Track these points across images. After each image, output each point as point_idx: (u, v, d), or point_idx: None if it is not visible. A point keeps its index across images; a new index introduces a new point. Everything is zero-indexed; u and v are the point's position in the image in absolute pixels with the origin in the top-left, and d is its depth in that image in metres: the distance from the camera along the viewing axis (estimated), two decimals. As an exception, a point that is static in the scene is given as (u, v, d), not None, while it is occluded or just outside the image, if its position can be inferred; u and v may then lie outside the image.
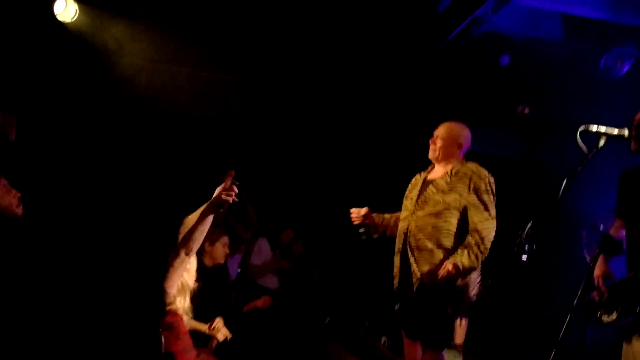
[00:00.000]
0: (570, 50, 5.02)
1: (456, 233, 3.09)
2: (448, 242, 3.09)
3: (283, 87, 5.93)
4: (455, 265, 2.97)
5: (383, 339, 5.17)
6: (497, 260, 3.18)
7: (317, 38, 5.28)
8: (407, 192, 3.40)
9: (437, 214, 3.11)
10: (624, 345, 2.52)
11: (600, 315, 2.46)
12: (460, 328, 4.85)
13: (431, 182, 3.25)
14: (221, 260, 3.58)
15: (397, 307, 3.18)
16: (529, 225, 2.51)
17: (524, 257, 2.50)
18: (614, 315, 2.42)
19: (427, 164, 3.44)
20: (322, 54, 5.49)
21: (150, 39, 4.97)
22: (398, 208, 3.44)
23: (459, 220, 3.10)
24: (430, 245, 3.10)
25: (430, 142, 3.33)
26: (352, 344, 3.67)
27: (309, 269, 5.63)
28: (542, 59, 5.32)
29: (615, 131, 2.44)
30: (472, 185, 3.08)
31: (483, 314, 5.10)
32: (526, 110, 6.04)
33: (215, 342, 3.10)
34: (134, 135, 5.10)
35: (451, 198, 3.10)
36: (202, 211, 2.24)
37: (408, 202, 3.30)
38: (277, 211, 5.74)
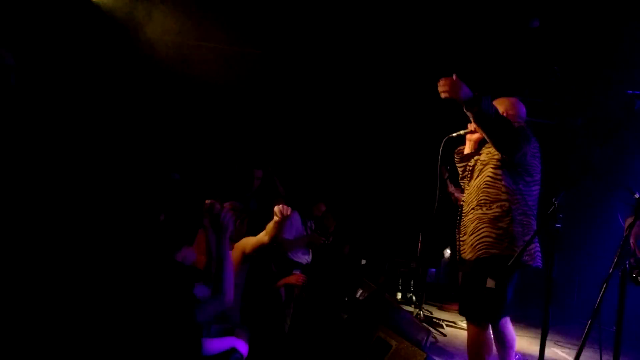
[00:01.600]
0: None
1: (491, 186, 3.15)
2: (483, 196, 3.16)
3: (317, 60, 5.88)
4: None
5: (415, 311, 5.22)
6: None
7: (345, 12, 5.21)
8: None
9: (486, 183, 3.19)
10: None
11: (637, 276, 2.46)
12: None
13: (477, 160, 3.34)
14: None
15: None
16: (562, 193, 2.49)
17: (558, 225, 2.49)
18: None
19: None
20: (350, 27, 5.43)
21: (177, 15, 4.99)
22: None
23: (492, 175, 3.15)
24: (473, 205, 3.20)
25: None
26: (387, 316, 3.72)
27: (341, 244, 5.69)
28: (573, 19, 5.15)
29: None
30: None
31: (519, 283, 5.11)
32: (557, 72, 5.88)
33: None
34: (163, 110, 5.17)
35: (489, 156, 3.20)
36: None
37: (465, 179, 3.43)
38: (308, 185, 5.78)
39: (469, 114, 2.89)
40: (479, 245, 3.07)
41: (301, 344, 3.40)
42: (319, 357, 3.33)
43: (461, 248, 3.22)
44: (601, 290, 2.33)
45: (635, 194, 2.40)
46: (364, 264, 6.21)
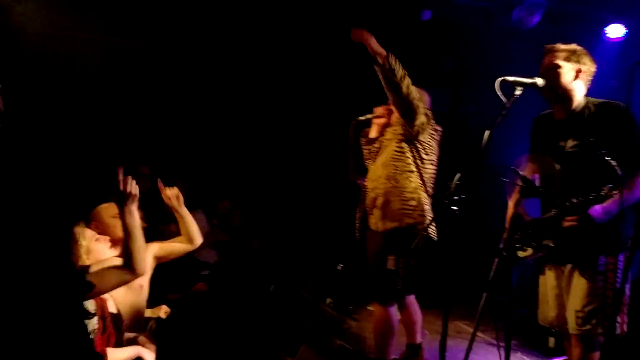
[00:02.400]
0: (486, 3, 5.18)
1: (398, 159, 3.31)
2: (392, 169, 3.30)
3: (217, 54, 5.74)
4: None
5: (328, 300, 5.30)
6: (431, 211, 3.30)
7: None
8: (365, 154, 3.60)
9: (391, 160, 3.34)
10: (540, 278, 2.75)
11: (515, 252, 2.66)
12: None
13: (382, 141, 3.46)
14: None
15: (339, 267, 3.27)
16: (457, 176, 2.64)
17: (455, 207, 2.64)
18: (529, 251, 2.62)
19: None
20: (240, 14, 5.35)
21: (57, 8, 4.65)
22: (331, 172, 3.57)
23: (397, 148, 3.31)
24: (383, 179, 3.34)
25: (385, 109, 3.51)
26: (298, 309, 3.75)
27: (248, 239, 5.62)
28: (461, 13, 5.45)
29: (528, 81, 2.58)
30: None
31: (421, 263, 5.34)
32: (448, 64, 6.20)
33: (153, 324, 3.05)
34: (46, 106, 4.80)
35: (397, 136, 3.35)
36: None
37: (370, 162, 3.52)
38: (211, 182, 5.65)
39: (377, 68, 2.96)
40: (393, 216, 3.18)
41: (215, 342, 3.34)
42: (233, 352, 3.29)
43: (371, 222, 3.30)
44: (493, 264, 2.52)
45: (519, 173, 2.60)
46: (276, 258, 6.20)
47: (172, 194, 2.93)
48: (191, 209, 5.20)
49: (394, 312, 3.31)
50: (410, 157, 3.26)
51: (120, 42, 5.23)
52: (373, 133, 3.55)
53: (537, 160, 2.79)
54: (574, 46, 2.63)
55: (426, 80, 6.36)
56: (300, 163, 6.40)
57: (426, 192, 3.30)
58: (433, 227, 3.27)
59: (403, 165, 3.25)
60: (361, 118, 3.54)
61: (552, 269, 2.68)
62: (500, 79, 2.55)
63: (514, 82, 2.62)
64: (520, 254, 2.65)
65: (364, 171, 3.59)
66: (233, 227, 5.34)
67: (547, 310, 2.72)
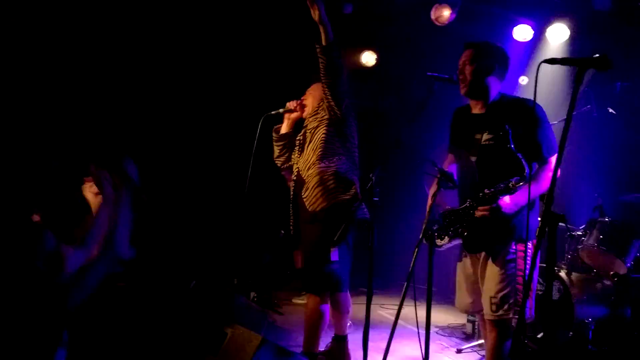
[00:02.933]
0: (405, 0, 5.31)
1: (328, 142, 3.31)
2: (322, 151, 3.30)
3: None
4: None
5: (252, 294, 5.26)
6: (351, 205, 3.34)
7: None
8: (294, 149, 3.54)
9: (320, 157, 3.31)
10: (457, 266, 2.87)
11: (433, 239, 2.77)
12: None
13: (306, 133, 3.43)
14: None
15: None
16: (378, 168, 2.70)
17: (375, 198, 2.70)
18: (445, 240, 2.73)
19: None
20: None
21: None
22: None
23: (325, 133, 3.31)
24: (314, 161, 3.32)
25: (302, 99, 3.49)
26: (222, 304, 3.68)
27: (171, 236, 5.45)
28: (382, 8, 5.57)
29: (445, 76, 2.69)
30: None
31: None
32: (371, 58, 6.30)
33: None
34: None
35: (321, 130, 3.33)
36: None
37: (294, 154, 3.49)
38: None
39: (321, 47, 3.12)
40: (328, 195, 3.20)
41: (132, 343, 3.20)
42: (152, 353, 3.17)
43: (306, 203, 3.29)
44: (413, 255, 2.59)
45: (437, 166, 2.70)
46: (196, 253, 6.06)
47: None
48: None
49: (328, 304, 3.33)
50: (339, 140, 3.29)
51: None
52: (284, 128, 3.53)
53: (455, 153, 2.90)
54: (489, 44, 2.75)
55: (348, 74, 6.51)
56: (218, 156, 6.28)
57: (356, 174, 3.37)
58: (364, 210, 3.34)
59: (333, 149, 3.28)
60: (272, 113, 3.50)
61: (468, 257, 2.81)
62: (428, 74, 2.64)
63: (432, 77, 2.72)
64: (438, 242, 2.76)
65: (279, 167, 3.62)
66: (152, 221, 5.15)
67: (464, 297, 2.85)
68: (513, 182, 2.47)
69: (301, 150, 3.39)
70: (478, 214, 2.55)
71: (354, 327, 4.10)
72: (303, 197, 3.30)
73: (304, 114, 3.46)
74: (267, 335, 3.69)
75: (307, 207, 3.26)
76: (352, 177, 3.30)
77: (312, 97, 3.45)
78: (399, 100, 6.84)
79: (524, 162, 2.49)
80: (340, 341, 3.48)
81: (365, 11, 5.53)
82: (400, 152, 2.95)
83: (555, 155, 2.55)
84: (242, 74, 6.03)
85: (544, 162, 2.59)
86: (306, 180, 3.29)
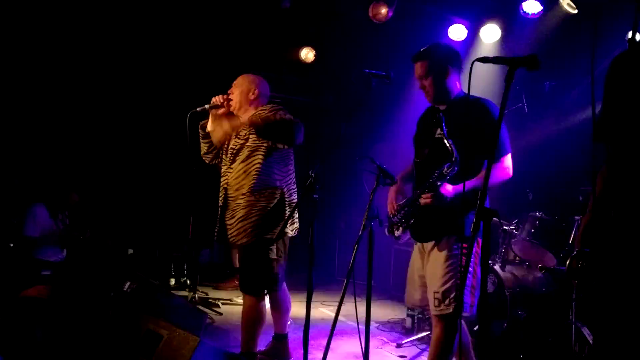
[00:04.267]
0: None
1: (264, 171, 3.21)
2: (256, 183, 3.20)
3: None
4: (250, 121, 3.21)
5: (190, 294, 5.11)
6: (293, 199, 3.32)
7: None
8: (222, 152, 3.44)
9: (247, 158, 3.24)
10: (410, 261, 2.90)
11: (393, 231, 2.79)
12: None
13: (237, 135, 3.32)
14: None
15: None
16: (317, 165, 2.68)
17: (315, 195, 2.68)
18: (400, 230, 2.76)
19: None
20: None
21: None
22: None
23: (263, 162, 3.19)
24: (244, 191, 3.21)
25: (228, 92, 3.39)
26: (157, 306, 3.54)
27: (102, 235, 5.20)
28: (320, 4, 5.56)
29: (382, 73, 2.70)
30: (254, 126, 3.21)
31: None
32: (310, 54, 6.28)
33: None
34: None
35: (252, 138, 3.25)
36: None
37: (225, 162, 3.37)
38: (55, 175, 5.12)
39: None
40: (253, 232, 3.16)
41: (62, 352, 3.02)
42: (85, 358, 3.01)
43: (229, 232, 3.24)
44: (353, 251, 2.59)
45: (375, 162, 2.71)
46: (131, 254, 5.83)
47: None
48: (33, 203, 4.70)
49: (264, 303, 3.29)
50: (277, 167, 3.25)
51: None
52: (210, 125, 3.43)
53: (415, 148, 2.91)
54: (435, 47, 2.76)
55: (286, 69, 6.48)
56: (153, 156, 6.11)
57: (295, 189, 3.35)
58: (294, 224, 3.34)
59: (268, 181, 3.21)
60: (198, 109, 3.39)
61: (417, 251, 2.83)
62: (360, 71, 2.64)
63: (370, 74, 2.72)
64: (396, 233, 2.79)
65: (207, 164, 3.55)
66: (83, 224, 4.89)
67: (413, 292, 2.87)
68: (445, 169, 2.52)
69: (232, 161, 3.28)
70: (422, 201, 2.58)
71: (295, 326, 4.07)
72: (227, 223, 3.26)
73: (232, 108, 3.36)
74: (206, 336, 3.59)
75: (229, 236, 3.24)
76: (285, 208, 3.26)
77: (239, 91, 3.35)
78: (338, 96, 6.87)
79: (454, 148, 2.52)
80: (281, 340, 3.44)
81: (304, 6, 5.50)
82: (340, 149, 2.94)
83: (508, 154, 2.63)
84: (169, 70, 5.90)
85: (491, 157, 2.64)
86: (232, 207, 3.24)
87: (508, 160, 2.63)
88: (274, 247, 3.21)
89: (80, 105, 5.69)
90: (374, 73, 2.74)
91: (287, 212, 3.23)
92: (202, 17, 5.48)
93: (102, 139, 5.83)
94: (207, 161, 3.53)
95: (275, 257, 3.22)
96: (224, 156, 3.40)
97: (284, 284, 3.38)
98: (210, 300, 5.16)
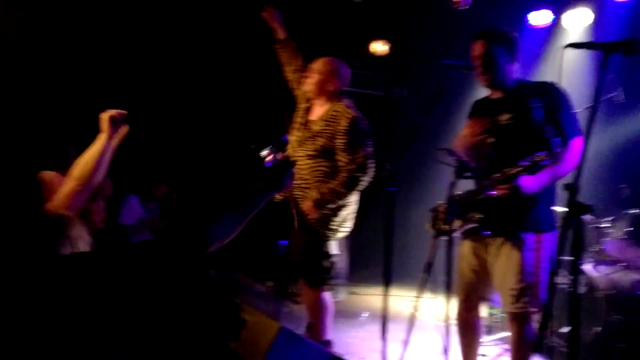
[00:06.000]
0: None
1: (330, 174, 3.17)
2: (322, 183, 3.16)
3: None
4: (313, 202, 3.09)
5: (269, 284, 5.27)
6: (367, 193, 3.32)
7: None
8: (293, 124, 3.37)
9: (313, 156, 3.16)
10: (460, 251, 2.81)
11: (441, 225, 2.72)
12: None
13: (309, 123, 3.28)
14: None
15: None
16: (394, 158, 2.67)
17: (391, 188, 2.67)
18: (459, 223, 2.67)
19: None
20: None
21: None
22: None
23: (330, 162, 3.17)
24: (306, 185, 3.18)
25: (306, 75, 3.31)
26: (240, 291, 3.69)
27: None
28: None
29: (463, 64, 2.64)
30: (338, 128, 3.15)
31: (361, 244, 5.40)
32: (383, 47, 6.22)
33: None
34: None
35: (320, 143, 3.16)
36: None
37: (292, 139, 3.29)
38: (147, 167, 5.43)
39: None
40: (321, 230, 3.18)
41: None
42: (172, 340, 3.18)
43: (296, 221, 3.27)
44: (432, 245, 2.56)
45: (454, 155, 2.65)
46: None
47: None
48: (127, 194, 5.01)
49: (326, 294, 3.30)
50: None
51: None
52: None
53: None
54: (498, 30, 2.68)
55: (360, 63, 6.46)
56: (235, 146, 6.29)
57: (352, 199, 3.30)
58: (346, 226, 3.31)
59: (327, 174, 3.19)
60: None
61: (471, 246, 2.73)
62: (440, 62, 2.59)
63: (448, 65, 2.67)
64: (450, 226, 2.70)
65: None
66: (171, 212, 5.17)
67: (466, 285, 2.77)
68: (540, 155, 2.36)
69: (298, 145, 3.25)
70: (499, 192, 2.47)
71: (371, 320, 4.08)
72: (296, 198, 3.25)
73: (307, 92, 3.33)
74: (284, 324, 3.68)
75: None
76: (345, 206, 3.22)
77: (317, 79, 3.26)
78: (414, 89, 6.77)
79: (551, 138, 2.41)
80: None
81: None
82: (417, 142, 2.91)
83: (580, 137, 2.48)
84: (245, 65, 6.02)
85: (566, 144, 2.52)
86: (295, 193, 3.23)
87: (581, 144, 2.45)
88: (335, 242, 3.23)
89: (171, 100, 5.94)
90: (452, 64, 2.68)
91: (350, 210, 3.24)
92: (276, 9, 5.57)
93: (192, 131, 6.06)
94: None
95: (335, 252, 3.24)
96: (290, 136, 3.32)
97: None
98: (288, 291, 5.28)
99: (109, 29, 5.31)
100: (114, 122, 2.02)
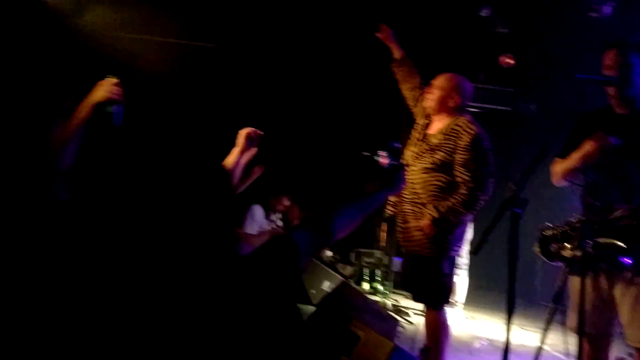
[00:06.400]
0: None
1: (446, 189, 3.09)
2: (437, 198, 3.09)
3: (272, 52, 5.78)
4: (431, 220, 3.00)
5: (383, 301, 5.22)
6: (490, 214, 3.18)
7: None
8: (410, 139, 3.36)
9: (429, 170, 3.11)
10: (576, 280, 2.49)
11: (553, 250, 2.50)
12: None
13: (427, 137, 3.23)
14: None
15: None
16: (520, 177, 2.51)
17: (517, 209, 2.51)
18: (578, 251, 2.42)
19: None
20: (303, 12, 5.34)
21: (119, 8, 4.79)
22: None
23: (447, 177, 3.09)
24: (419, 200, 3.12)
25: (426, 91, 3.28)
26: (354, 307, 3.70)
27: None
28: (523, 6, 5.26)
29: (603, 78, 2.43)
30: (459, 143, 3.06)
31: (481, 269, 5.17)
32: (510, 61, 5.97)
33: None
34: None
35: (439, 157, 3.09)
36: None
37: (408, 154, 3.28)
38: (270, 178, 5.69)
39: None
40: (435, 248, 3.09)
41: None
42: (287, 351, 3.28)
43: (402, 236, 3.21)
44: (563, 273, 2.36)
45: (585, 174, 2.45)
46: (329, 256, 6.19)
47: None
48: (251, 203, 5.30)
49: (445, 312, 3.20)
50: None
51: (188, 45, 5.34)
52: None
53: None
54: (635, 40, 2.46)
55: (485, 77, 6.24)
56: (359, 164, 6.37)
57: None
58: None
59: (442, 189, 3.10)
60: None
61: (601, 273, 2.48)
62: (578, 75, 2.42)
63: (585, 79, 2.47)
64: (567, 252, 2.47)
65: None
66: (290, 225, 5.37)
67: (587, 316, 2.51)
68: None
69: (415, 158, 3.20)
70: None
71: (492, 348, 3.87)
72: (400, 226, 3.20)
73: (427, 107, 3.27)
74: (397, 343, 3.63)
75: (402, 240, 3.19)
76: (461, 226, 3.13)
77: (439, 94, 3.18)
78: (542, 104, 6.39)
79: None
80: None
81: (503, 10, 5.26)
82: (546, 161, 2.73)
83: None
84: (368, 78, 6.06)
85: None
86: (406, 209, 3.17)
87: None
88: (449, 262, 3.11)
89: (294, 115, 6.18)
90: (590, 78, 2.49)
91: (464, 228, 3.12)
92: (400, 24, 5.57)
93: (313, 144, 6.25)
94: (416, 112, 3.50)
95: (449, 272, 3.13)
96: (406, 150, 3.31)
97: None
98: (401, 309, 5.20)
99: (243, 55, 5.67)
100: (249, 140, 2.14)
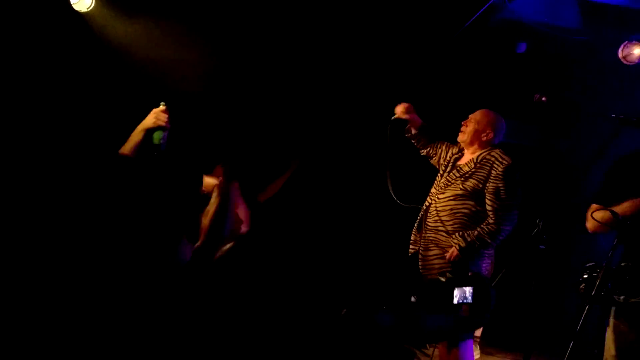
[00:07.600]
0: (587, 37, 4.98)
1: (472, 217, 3.11)
2: (462, 227, 3.10)
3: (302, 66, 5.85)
4: (458, 249, 3.00)
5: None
6: (514, 249, 3.17)
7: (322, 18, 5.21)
8: (439, 171, 3.45)
9: (460, 196, 3.12)
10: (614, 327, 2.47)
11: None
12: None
13: (457, 167, 3.27)
14: None
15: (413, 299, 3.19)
16: (546, 213, 2.52)
17: (542, 246, 2.51)
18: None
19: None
20: (329, 38, 5.43)
21: (162, 33, 4.95)
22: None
23: (476, 205, 3.11)
24: (443, 228, 3.12)
25: (462, 123, 3.37)
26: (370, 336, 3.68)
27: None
28: (559, 47, 5.29)
29: (635, 119, 2.44)
30: (492, 172, 3.10)
31: (500, 304, 5.08)
32: (543, 99, 5.97)
33: None
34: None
35: (470, 184, 3.12)
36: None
37: (438, 183, 3.36)
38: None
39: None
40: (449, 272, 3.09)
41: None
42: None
43: (424, 264, 3.22)
44: (583, 312, 2.33)
45: (617, 216, 2.42)
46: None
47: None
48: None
49: (466, 350, 3.16)
50: (483, 215, 3.16)
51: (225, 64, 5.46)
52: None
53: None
54: None
55: (515, 114, 6.22)
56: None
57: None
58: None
59: (473, 228, 3.13)
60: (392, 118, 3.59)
61: (617, 325, 2.42)
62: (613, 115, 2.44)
63: (618, 119, 2.49)
64: (613, 296, 2.42)
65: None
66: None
67: None
68: None
69: (443, 189, 3.25)
70: None
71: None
72: (423, 254, 3.21)
73: (461, 140, 3.35)
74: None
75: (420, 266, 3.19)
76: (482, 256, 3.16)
77: (474, 128, 3.30)
78: (574, 142, 6.34)
79: None
80: None
81: (540, 50, 5.29)
82: (573, 200, 2.73)
83: None
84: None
85: None
86: (427, 236, 3.21)
87: None
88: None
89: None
90: (623, 118, 2.50)
91: (489, 263, 3.12)
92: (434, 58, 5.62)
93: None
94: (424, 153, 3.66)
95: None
96: (441, 171, 3.39)
97: (471, 341, 3.20)
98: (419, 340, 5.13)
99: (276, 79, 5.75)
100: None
